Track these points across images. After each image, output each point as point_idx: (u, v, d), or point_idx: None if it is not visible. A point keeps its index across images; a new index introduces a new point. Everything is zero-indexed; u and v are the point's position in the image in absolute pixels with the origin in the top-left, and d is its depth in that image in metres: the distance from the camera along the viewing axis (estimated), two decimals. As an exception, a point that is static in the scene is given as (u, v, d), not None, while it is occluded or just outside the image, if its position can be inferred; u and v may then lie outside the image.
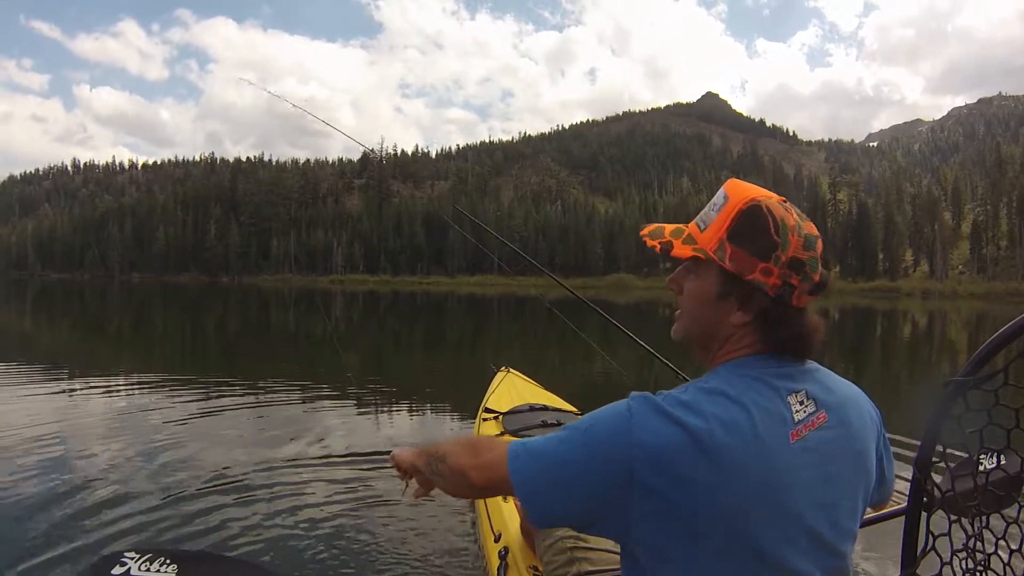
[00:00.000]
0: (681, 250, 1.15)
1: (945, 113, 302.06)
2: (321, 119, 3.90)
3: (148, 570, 1.44)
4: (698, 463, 0.97)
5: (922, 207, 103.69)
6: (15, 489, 4.41)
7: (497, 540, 2.35)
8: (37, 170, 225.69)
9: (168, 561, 1.46)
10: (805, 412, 1.08)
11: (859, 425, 1.16)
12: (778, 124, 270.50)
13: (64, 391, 8.20)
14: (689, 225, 1.19)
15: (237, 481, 4.64)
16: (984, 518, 1.35)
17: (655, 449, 0.98)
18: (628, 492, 0.99)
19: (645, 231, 1.20)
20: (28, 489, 4.41)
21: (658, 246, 1.16)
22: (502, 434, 3.42)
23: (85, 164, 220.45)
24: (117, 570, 1.43)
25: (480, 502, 2.83)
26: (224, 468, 4.94)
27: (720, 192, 1.17)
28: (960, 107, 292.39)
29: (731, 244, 1.11)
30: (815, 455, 1.07)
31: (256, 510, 4.06)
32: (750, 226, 1.11)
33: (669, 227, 1.21)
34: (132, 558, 1.46)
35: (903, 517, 1.45)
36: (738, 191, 1.15)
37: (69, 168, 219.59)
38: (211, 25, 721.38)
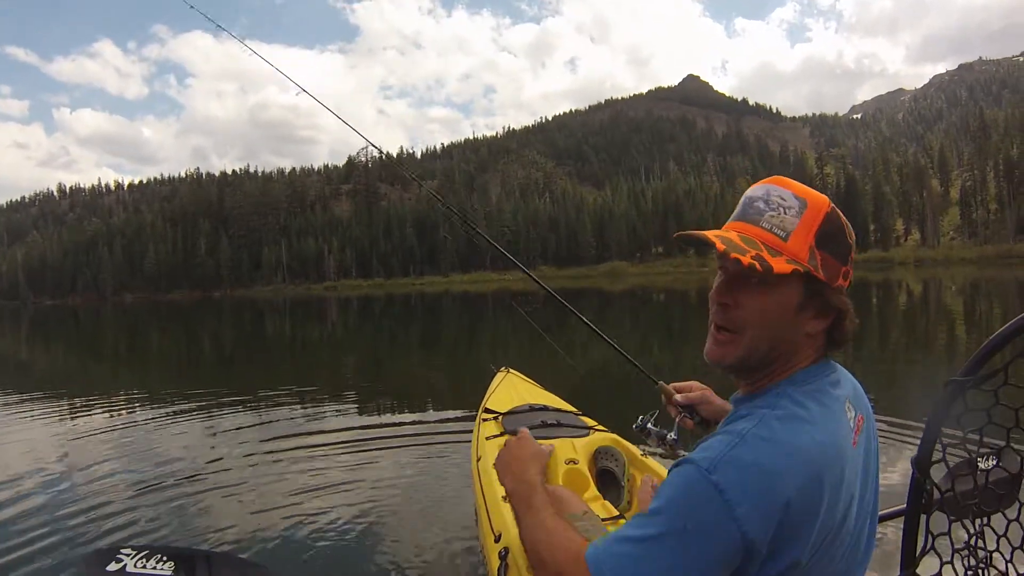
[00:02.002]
0: (780, 265, 1.02)
1: (927, 81, 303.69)
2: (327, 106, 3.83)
3: (144, 567, 1.43)
4: (806, 507, 0.94)
5: (910, 176, 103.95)
6: (15, 489, 4.52)
7: (497, 540, 2.33)
8: (23, 197, 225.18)
9: (164, 558, 1.46)
10: (854, 420, 1.08)
11: (871, 413, 1.17)
12: (761, 102, 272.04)
13: (65, 403, 8.29)
14: (754, 232, 1.07)
15: (236, 482, 4.68)
16: (985, 517, 1.33)
17: (764, 518, 0.92)
18: (748, 562, 0.94)
19: (720, 247, 1.02)
20: (27, 488, 4.52)
21: (757, 265, 1.00)
22: (502, 434, 3.39)
23: (71, 188, 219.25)
24: (113, 566, 1.42)
25: (480, 502, 2.81)
26: (223, 469, 5.00)
27: (785, 193, 1.07)
28: (941, 74, 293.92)
29: (820, 251, 1.05)
30: (861, 457, 1.08)
31: (255, 510, 4.09)
32: (834, 231, 1.07)
33: (732, 236, 1.06)
34: (128, 554, 1.45)
35: (902, 516, 1.44)
36: (811, 193, 1.08)
37: (55, 193, 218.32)
38: (188, 39, 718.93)
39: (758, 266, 1.00)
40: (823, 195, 1.08)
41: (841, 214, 1.09)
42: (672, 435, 1.73)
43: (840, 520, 1.00)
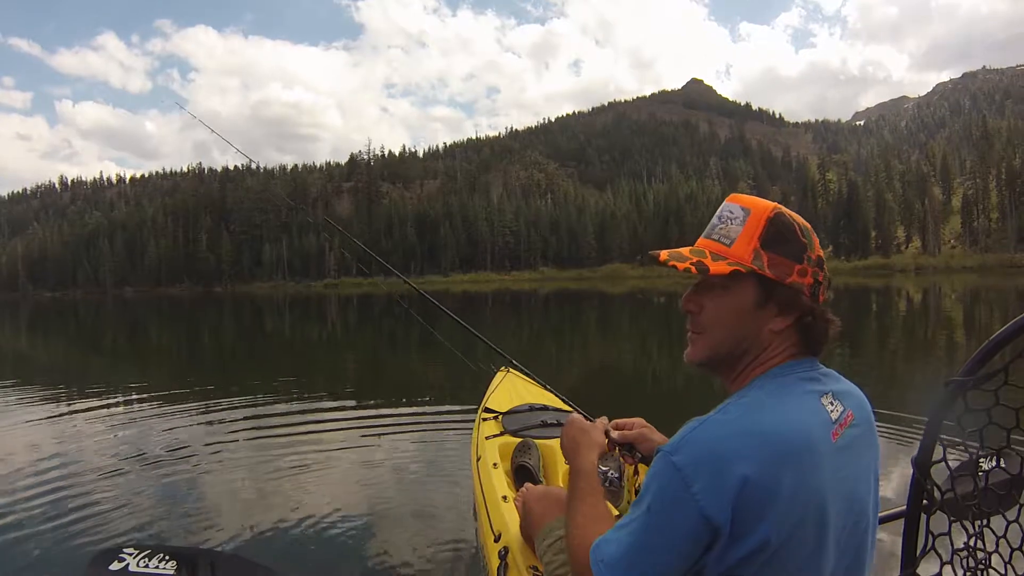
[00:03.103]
0: (718, 267, 1.12)
1: (930, 89, 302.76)
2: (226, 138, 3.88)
3: (147, 566, 1.44)
4: (765, 486, 0.98)
5: (912, 184, 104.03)
6: (16, 488, 4.49)
7: (497, 540, 2.32)
8: (25, 189, 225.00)
9: (167, 557, 1.47)
10: (838, 412, 1.11)
11: (872, 421, 1.20)
12: (764, 107, 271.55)
13: (64, 401, 8.23)
14: (704, 244, 1.19)
15: (237, 480, 4.68)
16: (985, 518, 1.34)
17: (719, 494, 0.98)
18: (716, 539, 1.00)
19: (661, 257, 1.18)
20: (27, 486, 4.50)
21: (692, 268, 1.12)
22: (502, 434, 3.39)
23: (73, 181, 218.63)
24: (115, 566, 1.43)
25: (480, 501, 2.81)
26: (223, 467, 5.00)
27: (733, 207, 1.18)
28: (945, 83, 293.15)
29: (766, 252, 1.13)
30: (848, 453, 1.10)
31: (256, 508, 4.09)
32: (780, 232, 1.14)
33: (682, 250, 1.19)
34: (131, 554, 1.46)
35: (903, 517, 1.45)
36: (756, 202, 1.17)
37: (56, 185, 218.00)
38: (191, 34, 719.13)
39: (693, 269, 1.12)
40: (770, 203, 1.17)
41: (793, 217, 1.16)
42: (613, 472, 1.68)
43: (815, 509, 1.03)
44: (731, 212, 1.17)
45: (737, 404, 1.08)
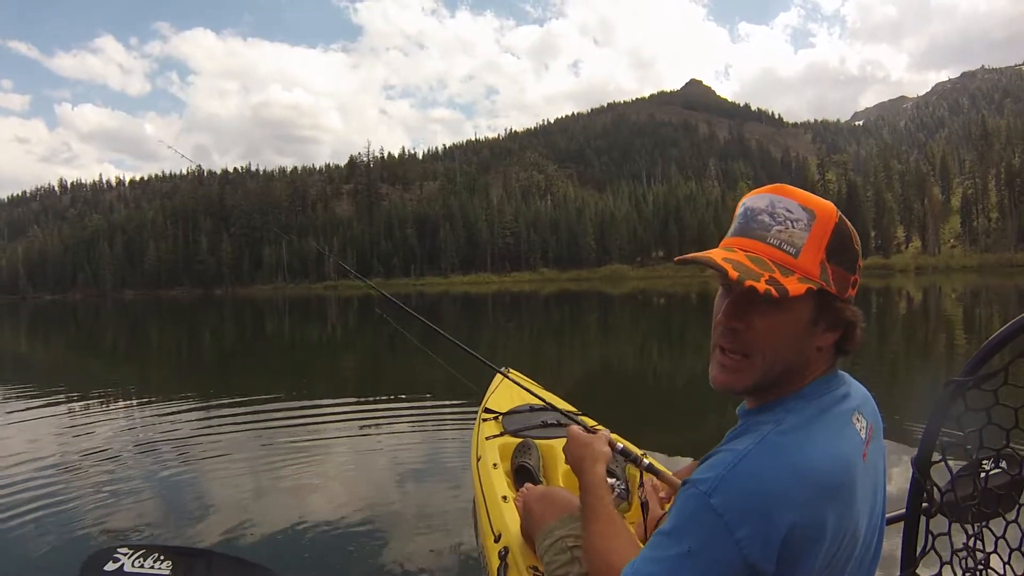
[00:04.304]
0: (794, 286, 0.96)
1: (929, 89, 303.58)
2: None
3: (142, 566, 1.42)
4: (812, 528, 0.93)
5: (911, 184, 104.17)
6: (9, 487, 4.47)
7: (497, 540, 2.31)
8: (24, 192, 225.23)
9: (162, 557, 1.45)
10: (864, 430, 1.05)
11: (880, 423, 1.14)
12: (763, 108, 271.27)
13: (61, 402, 8.20)
14: (759, 248, 1.01)
15: (233, 479, 4.67)
16: (984, 519, 1.33)
17: (765, 540, 0.90)
18: None
19: (732, 275, 0.95)
20: (20, 486, 4.48)
21: (773, 290, 0.94)
22: (502, 434, 3.38)
23: (72, 183, 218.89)
24: (110, 566, 1.41)
25: (480, 502, 2.80)
26: (220, 466, 4.99)
27: (791, 204, 1.02)
28: (944, 82, 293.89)
29: (831, 264, 1.00)
30: (871, 468, 1.05)
31: (253, 507, 4.07)
32: (843, 241, 1.02)
33: (739, 256, 1.00)
34: (125, 554, 1.45)
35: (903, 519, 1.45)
36: (817, 203, 1.02)
37: (56, 188, 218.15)
38: (190, 36, 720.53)
39: (774, 292, 0.95)
40: (829, 203, 1.02)
41: (847, 221, 1.04)
42: (620, 484, 1.64)
43: (851, 535, 0.99)
44: (789, 211, 1.01)
45: (777, 432, 0.97)
